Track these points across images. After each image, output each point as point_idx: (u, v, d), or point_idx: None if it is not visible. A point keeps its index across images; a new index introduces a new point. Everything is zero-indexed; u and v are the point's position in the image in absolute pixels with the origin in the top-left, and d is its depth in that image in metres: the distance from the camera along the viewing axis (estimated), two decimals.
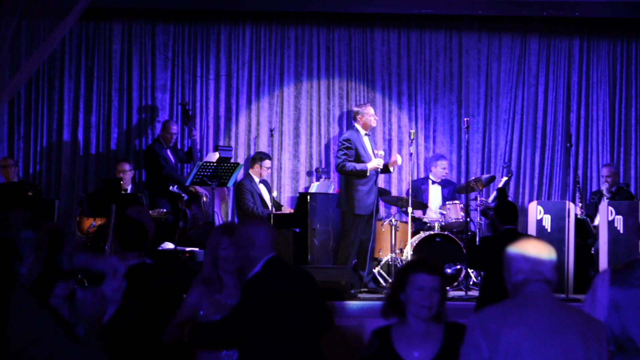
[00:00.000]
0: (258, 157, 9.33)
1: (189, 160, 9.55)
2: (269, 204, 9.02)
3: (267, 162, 9.24)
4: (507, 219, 6.81)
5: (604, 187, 9.22)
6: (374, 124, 8.56)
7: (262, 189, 9.18)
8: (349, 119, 10.16)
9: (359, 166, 8.16)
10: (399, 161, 8.65)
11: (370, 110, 8.52)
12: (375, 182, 8.32)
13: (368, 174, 8.16)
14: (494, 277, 6.53)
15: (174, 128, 9.30)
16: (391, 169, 8.65)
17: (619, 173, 9.71)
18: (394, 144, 10.22)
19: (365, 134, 8.43)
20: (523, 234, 7.46)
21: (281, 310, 3.87)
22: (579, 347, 2.90)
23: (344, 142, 8.36)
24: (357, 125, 8.46)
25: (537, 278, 3.00)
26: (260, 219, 6.90)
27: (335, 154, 8.80)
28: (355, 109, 8.71)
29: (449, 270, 8.48)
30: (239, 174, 8.88)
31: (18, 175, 9.31)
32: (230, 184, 8.57)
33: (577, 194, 9.24)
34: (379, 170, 8.34)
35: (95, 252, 8.25)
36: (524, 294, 3.01)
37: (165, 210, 8.69)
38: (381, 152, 8.40)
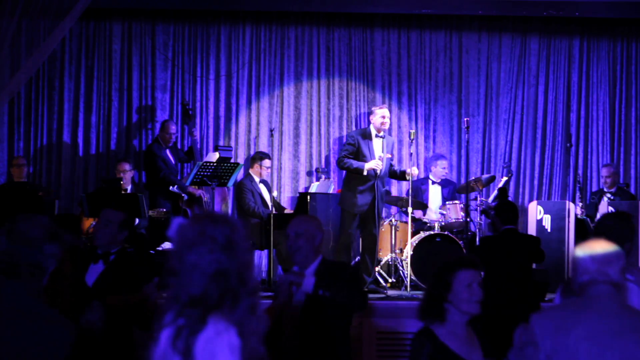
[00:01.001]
0: (258, 157, 9.33)
1: (189, 159, 9.55)
2: (269, 203, 9.02)
3: (266, 162, 9.25)
4: (507, 219, 6.81)
5: (605, 187, 9.24)
6: (384, 126, 8.28)
7: (262, 188, 9.18)
8: (349, 119, 10.17)
9: (355, 164, 8.09)
10: (415, 173, 8.46)
11: (380, 111, 8.23)
12: (374, 185, 8.06)
13: (365, 173, 8.02)
14: (494, 277, 6.56)
15: (173, 128, 9.30)
16: (408, 177, 8.39)
17: (618, 173, 9.72)
18: (394, 144, 10.22)
19: (377, 136, 8.27)
20: (523, 234, 7.47)
21: None
22: (639, 353, 2.83)
23: (348, 138, 8.32)
24: (371, 125, 8.35)
25: (603, 279, 2.95)
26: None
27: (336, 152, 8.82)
28: (373, 108, 8.57)
29: None
30: (239, 174, 8.88)
31: (28, 174, 9.33)
32: (230, 184, 8.57)
33: (578, 194, 9.24)
34: (379, 170, 8.16)
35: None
36: (588, 294, 2.97)
37: (165, 210, 8.69)
38: (388, 155, 8.27)
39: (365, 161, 8.07)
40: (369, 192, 8.08)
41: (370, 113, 8.47)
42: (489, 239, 7.23)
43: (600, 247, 3.01)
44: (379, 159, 8.06)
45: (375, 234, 8.11)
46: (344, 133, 10.03)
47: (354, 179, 8.13)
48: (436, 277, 3.51)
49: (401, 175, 8.42)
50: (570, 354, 2.86)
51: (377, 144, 8.20)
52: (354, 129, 10.11)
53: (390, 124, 10.26)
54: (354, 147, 8.14)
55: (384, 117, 8.25)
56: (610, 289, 2.95)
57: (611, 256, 2.98)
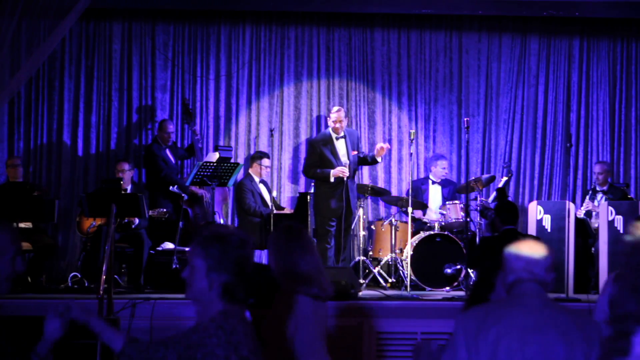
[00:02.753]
0: (257, 156, 9.34)
1: (189, 155, 9.54)
2: (269, 203, 9.03)
3: (266, 161, 9.25)
4: (507, 219, 6.81)
5: (597, 185, 9.27)
6: (340, 126, 8.69)
7: (262, 188, 9.18)
8: (349, 119, 10.17)
9: (320, 172, 8.51)
10: (385, 146, 8.72)
11: (333, 115, 8.85)
12: (345, 188, 8.50)
13: (332, 179, 8.37)
14: (493, 277, 6.55)
15: (171, 127, 9.30)
16: (378, 159, 8.77)
17: (611, 171, 9.71)
18: (394, 144, 10.22)
19: (338, 137, 8.58)
20: (524, 234, 7.47)
21: None
22: (560, 347, 2.87)
23: (308, 147, 8.70)
24: (329, 128, 8.67)
25: (529, 277, 3.00)
26: None
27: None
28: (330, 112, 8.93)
29: (449, 270, 8.49)
30: (239, 174, 8.87)
31: (27, 174, 9.31)
32: (231, 184, 8.57)
33: (587, 198, 9.23)
34: (345, 177, 8.46)
35: (96, 251, 8.29)
36: (514, 293, 3.02)
37: (165, 210, 8.69)
38: (354, 153, 8.59)
39: (331, 166, 8.37)
40: (338, 196, 8.49)
41: (327, 116, 8.78)
42: (488, 239, 7.23)
43: (526, 246, 3.06)
44: (344, 165, 8.35)
45: (348, 232, 8.71)
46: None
47: (323, 184, 8.39)
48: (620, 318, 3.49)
49: (372, 160, 8.80)
50: (490, 350, 2.89)
51: (340, 145, 8.52)
52: (354, 128, 10.12)
53: (391, 124, 10.30)
54: (316, 156, 8.40)
55: (335, 121, 8.70)
56: (535, 287, 3.00)
57: (537, 255, 3.03)
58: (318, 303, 3.98)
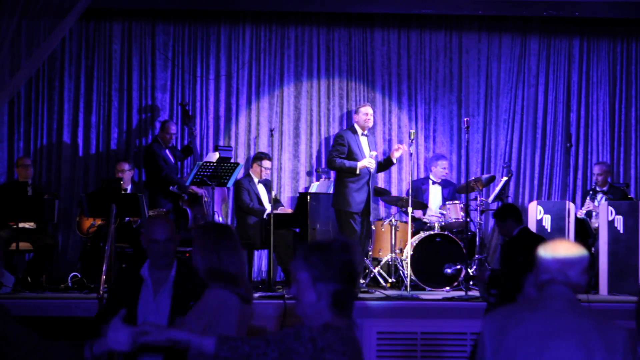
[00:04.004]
0: (257, 157, 9.36)
1: (186, 156, 9.53)
2: (268, 204, 9.01)
3: (266, 162, 9.24)
4: (519, 219, 6.96)
5: (596, 186, 9.27)
6: (368, 124, 8.59)
7: (261, 189, 9.18)
8: (349, 119, 10.17)
9: (348, 163, 8.30)
10: (402, 147, 8.67)
11: (364, 109, 8.61)
12: (368, 182, 8.32)
13: (358, 171, 8.25)
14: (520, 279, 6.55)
15: (173, 128, 9.30)
16: (394, 160, 8.63)
17: (611, 171, 9.71)
18: (394, 144, 10.21)
19: (363, 134, 8.50)
20: (535, 234, 7.56)
21: None
22: (578, 354, 2.81)
23: (337, 139, 8.52)
24: (355, 124, 8.57)
25: (562, 280, 2.95)
26: None
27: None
28: (357, 107, 8.84)
29: (448, 270, 8.48)
30: (239, 174, 8.88)
31: (33, 177, 9.22)
32: (230, 184, 8.57)
33: (588, 198, 9.23)
34: (372, 169, 8.37)
35: (96, 251, 8.29)
36: (543, 294, 2.97)
37: (165, 210, 8.69)
38: (373, 153, 8.46)
39: (357, 159, 8.27)
40: (364, 190, 8.30)
41: (355, 112, 8.67)
42: (510, 242, 7.25)
43: (563, 248, 3.01)
44: (371, 157, 8.27)
45: (368, 233, 8.48)
46: None
47: (347, 178, 8.30)
48: None
49: (387, 163, 8.70)
50: (508, 354, 2.86)
51: (363, 142, 8.45)
52: None
53: (391, 124, 10.30)
54: (345, 147, 8.33)
55: (367, 114, 8.56)
56: (565, 290, 2.95)
57: (573, 258, 2.98)
58: (244, 304, 3.95)
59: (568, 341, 2.83)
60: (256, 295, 7.20)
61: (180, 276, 4.46)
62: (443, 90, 10.34)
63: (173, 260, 4.51)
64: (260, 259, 9.76)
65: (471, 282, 8.35)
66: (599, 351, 2.81)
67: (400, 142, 10.23)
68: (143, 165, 9.67)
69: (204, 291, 3.98)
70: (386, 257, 8.78)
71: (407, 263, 8.45)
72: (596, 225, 8.68)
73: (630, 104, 10.33)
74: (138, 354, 3.99)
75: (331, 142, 10.16)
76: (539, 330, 2.86)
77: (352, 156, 8.33)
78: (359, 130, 8.51)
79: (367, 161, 8.28)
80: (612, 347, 2.82)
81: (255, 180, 9.19)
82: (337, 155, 8.34)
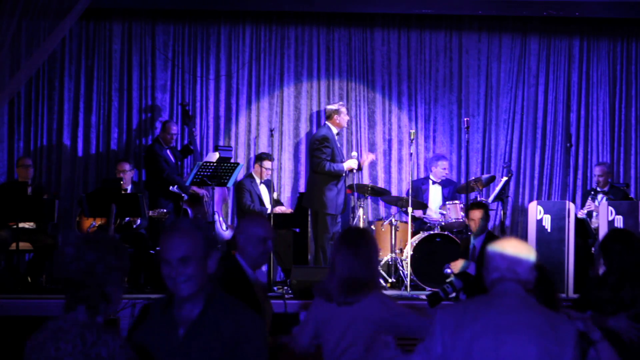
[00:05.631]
0: (259, 157, 9.36)
1: (185, 155, 9.53)
2: (269, 204, 9.02)
3: (266, 163, 9.24)
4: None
5: (597, 186, 9.27)
6: (345, 124, 8.77)
7: (263, 189, 9.18)
8: (349, 119, 10.17)
9: (336, 166, 8.38)
10: (371, 157, 8.90)
11: (345, 110, 8.73)
12: (345, 181, 8.53)
13: (344, 174, 8.37)
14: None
15: (174, 129, 9.29)
16: (363, 166, 8.97)
17: (611, 172, 9.72)
18: (394, 144, 10.23)
19: (337, 133, 8.60)
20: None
21: None
22: (532, 348, 2.89)
23: (322, 141, 8.48)
24: (330, 124, 8.63)
25: (511, 277, 3.02)
26: None
27: (308, 152, 8.96)
28: (333, 107, 8.88)
29: (448, 271, 8.47)
30: (239, 174, 8.88)
31: (33, 177, 9.21)
32: (230, 184, 8.57)
33: (589, 199, 9.23)
34: (355, 170, 8.52)
35: None
36: (494, 292, 3.04)
37: (165, 210, 8.69)
38: (355, 154, 8.61)
39: (339, 161, 8.38)
40: (343, 190, 8.52)
41: (333, 112, 8.74)
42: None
43: (511, 245, 3.08)
44: (353, 157, 8.45)
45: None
46: (344, 133, 10.02)
47: (329, 180, 8.36)
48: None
49: (358, 168, 8.86)
50: (465, 348, 2.92)
51: (337, 143, 8.61)
52: (354, 128, 10.14)
53: (391, 124, 10.31)
54: (330, 149, 8.39)
55: (345, 117, 8.78)
56: (516, 286, 3.02)
57: (521, 255, 3.05)
58: None
59: (523, 335, 2.90)
60: None
61: None
62: (443, 90, 10.34)
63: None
64: None
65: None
66: (552, 345, 2.90)
67: (400, 142, 10.25)
68: (144, 166, 9.67)
69: None
70: (386, 257, 8.78)
71: (407, 263, 8.45)
72: (596, 225, 8.68)
73: (630, 104, 10.33)
74: None
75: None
76: (495, 325, 2.92)
77: (335, 158, 8.43)
78: (334, 130, 8.59)
79: (352, 162, 8.45)
80: (563, 341, 2.92)
81: (258, 180, 9.19)
82: (325, 158, 8.40)
